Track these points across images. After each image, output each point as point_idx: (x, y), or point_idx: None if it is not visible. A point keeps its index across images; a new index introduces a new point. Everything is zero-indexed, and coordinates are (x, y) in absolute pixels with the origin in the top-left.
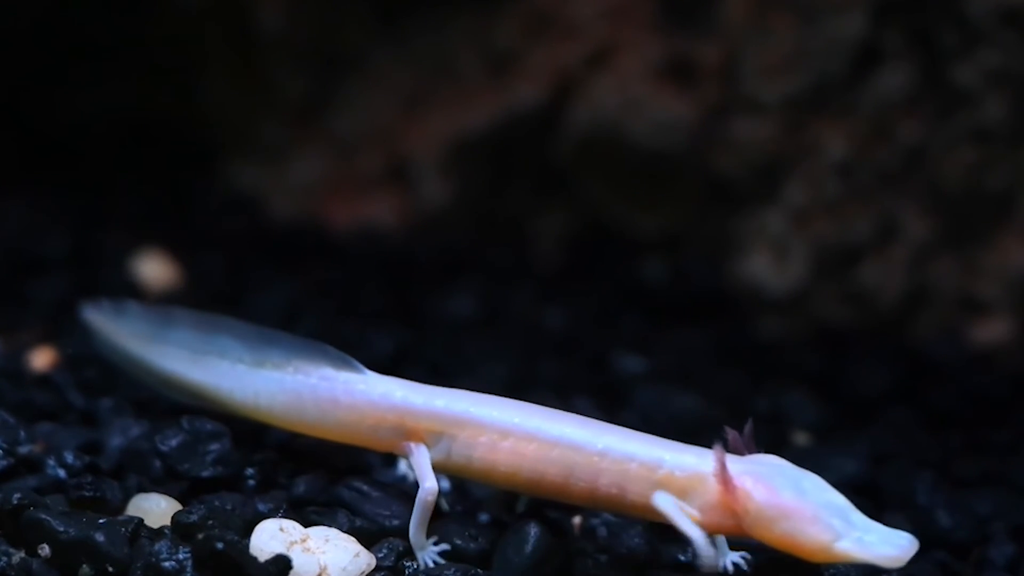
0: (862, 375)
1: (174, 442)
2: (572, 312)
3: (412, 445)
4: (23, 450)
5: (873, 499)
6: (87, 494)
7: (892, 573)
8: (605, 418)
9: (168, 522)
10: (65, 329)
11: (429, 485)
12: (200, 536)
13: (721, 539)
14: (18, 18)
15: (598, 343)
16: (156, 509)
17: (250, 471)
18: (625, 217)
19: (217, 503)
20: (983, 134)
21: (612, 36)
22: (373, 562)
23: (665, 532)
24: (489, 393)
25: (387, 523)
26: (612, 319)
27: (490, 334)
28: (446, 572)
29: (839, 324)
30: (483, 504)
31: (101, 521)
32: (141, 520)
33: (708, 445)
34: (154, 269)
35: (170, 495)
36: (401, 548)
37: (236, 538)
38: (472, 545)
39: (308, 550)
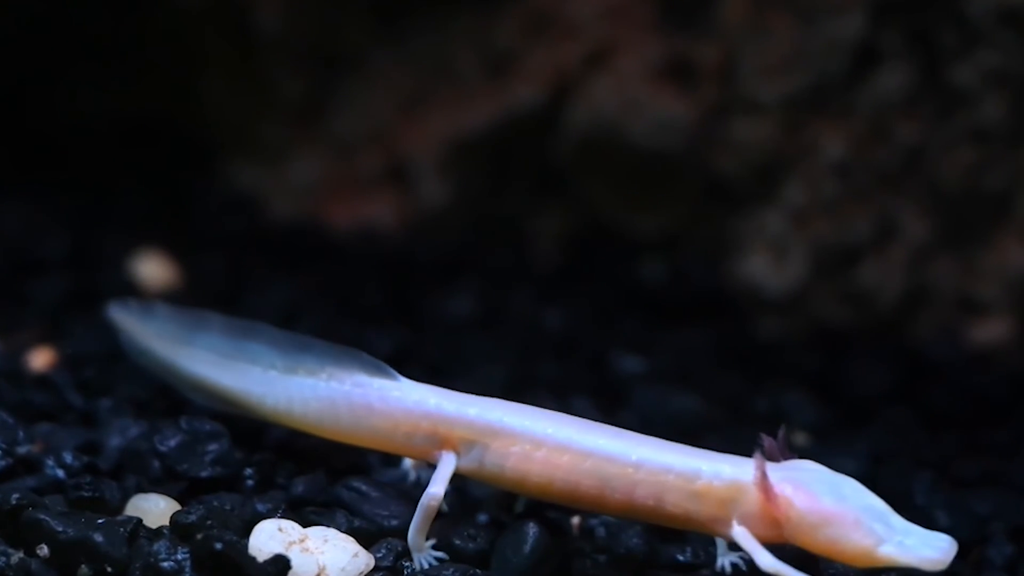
0: (861, 375)
1: (173, 442)
2: (571, 312)
3: (444, 453)
4: (22, 450)
5: None
6: (86, 494)
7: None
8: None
9: (167, 522)
10: (64, 329)
11: (435, 491)
12: (199, 536)
13: (720, 540)
14: (17, 18)
15: (597, 343)
16: (155, 509)
17: (249, 471)
18: (624, 217)
19: (216, 503)
20: (982, 134)
21: (611, 36)
22: (372, 562)
23: (663, 532)
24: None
25: (386, 523)
26: (611, 319)
27: (489, 334)
28: (444, 572)
29: (838, 324)
30: (481, 504)
31: (100, 521)
32: (140, 520)
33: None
34: (153, 269)
35: (169, 495)
36: (400, 548)
37: (235, 538)
38: (471, 545)
39: (307, 550)
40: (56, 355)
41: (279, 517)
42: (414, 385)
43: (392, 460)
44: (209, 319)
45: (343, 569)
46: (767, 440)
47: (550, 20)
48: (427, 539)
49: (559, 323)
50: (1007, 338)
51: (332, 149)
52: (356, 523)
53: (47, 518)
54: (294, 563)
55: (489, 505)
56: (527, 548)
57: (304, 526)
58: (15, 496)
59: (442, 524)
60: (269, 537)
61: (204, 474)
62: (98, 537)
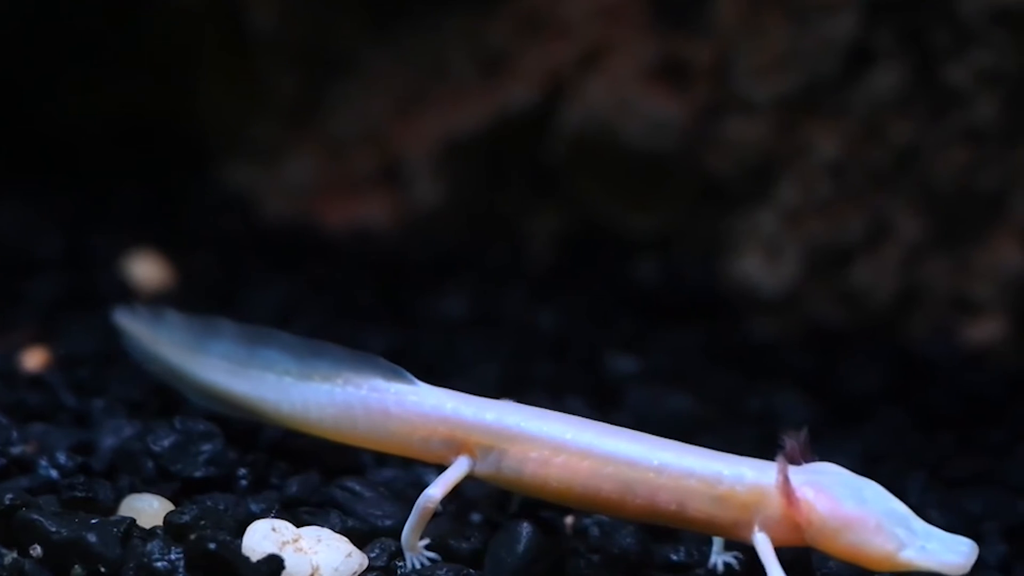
0: (854, 375)
1: (166, 442)
2: (565, 312)
3: (458, 458)
4: (15, 450)
5: None
6: (79, 494)
7: None
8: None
9: (160, 522)
10: (58, 329)
11: (433, 493)
12: (192, 536)
13: (716, 539)
14: (12, 18)
15: (591, 343)
16: (148, 509)
17: (242, 471)
18: (618, 217)
19: (209, 503)
20: (975, 134)
21: (604, 36)
22: (365, 562)
23: (657, 532)
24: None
25: (379, 523)
26: (605, 319)
27: (483, 334)
28: (438, 572)
29: (831, 324)
30: (475, 503)
31: (93, 521)
32: (133, 520)
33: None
34: (147, 269)
35: (162, 495)
36: (393, 548)
37: (228, 538)
38: (464, 545)
39: (300, 550)
40: (50, 355)
41: (273, 517)
42: (431, 389)
43: (386, 460)
44: (220, 325)
45: (336, 569)
46: (788, 442)
47: (544, 20)
48: (421, 539)
49: (553, 323)
50: (1001, 337)
51: (326, 149)
52: (350, 523)
53: (40, 518)
54: (287, 563)
55: (483, 505)
56: (520, 548)
57: (298, 526)
58: (8, 496)
59: (436, 524)
60: (263, 537)
61: (198, 474)
62: (91, 537)
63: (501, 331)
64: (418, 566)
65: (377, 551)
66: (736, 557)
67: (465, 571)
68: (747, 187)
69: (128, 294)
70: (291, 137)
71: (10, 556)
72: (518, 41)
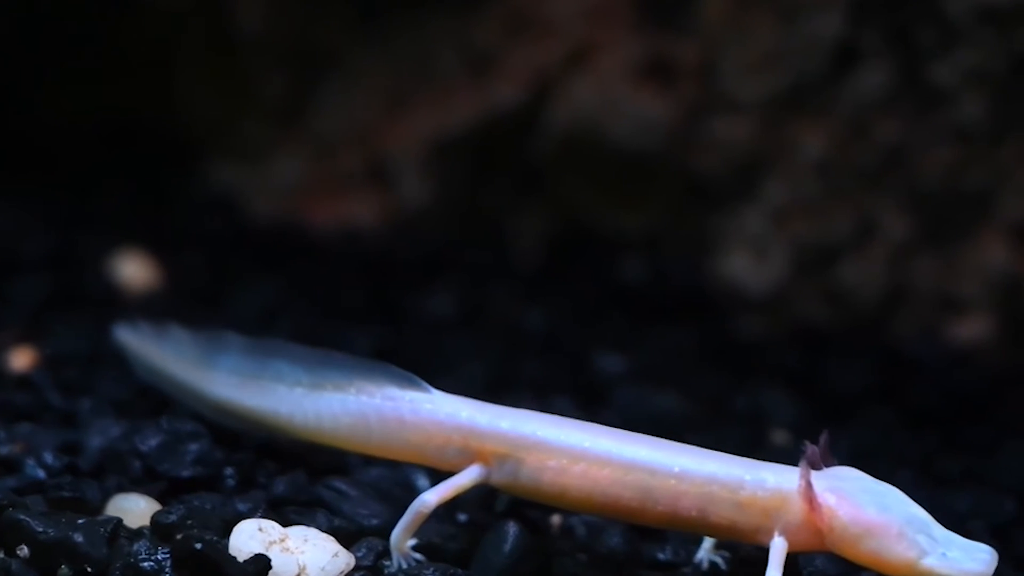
0: (841, 374)
1: (153, 442)
2: (552, 311)
3: (471, 467)
4: (2, 450)
5: None
6: (66, 494)
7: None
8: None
9: (147, 522)
10: (45, 329)
11: (429, 499)
12: (179, 536)
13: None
14: None
15: (578, 342)
16: (135, 509)
17: (229, 471)
18: (605, 216)
19: (196, 503)
20: (961, 133)
21: (591, 36)
22: (352, 562)
23: (644, 531)
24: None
25: (366, 522)
26: (592, 318)
27: (470, 333)
28: (425, 571)
29: (818, 323)
30: (462, 504)
31: (80, 521)
32: (120, 520)
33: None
34: (134, 269)
35: (149, 495)
36: (380, 548)
37: (215, 538)
38: (451, 544)
39: (287, 550)
40: (37, 355)
41: (259, 517)
42: (446, 397)
43: (372, 460)
44: (228, 339)
45: (323, 568)
46: (809, 448)
47: (530, 20)
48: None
49: (540, 322)
50: (987, 336)
51: (313, 148)
52: (336, 522)
53: (27, 518)
54: (274, 563)
55: (469, 505)
56: (507, 547)
57: (284, 525)
58: None
59: (423, 524)
60: (249, 537)
61: (185, 474)
62: (78, 537)
63: (488, 330)
64: (404, 566)
65: (364, 550)
66: (723, 556)
67: (452, 571)
68: (734, 186)
69: (116, 294)
70: (278, 136)
71: None
72: (505, 40)
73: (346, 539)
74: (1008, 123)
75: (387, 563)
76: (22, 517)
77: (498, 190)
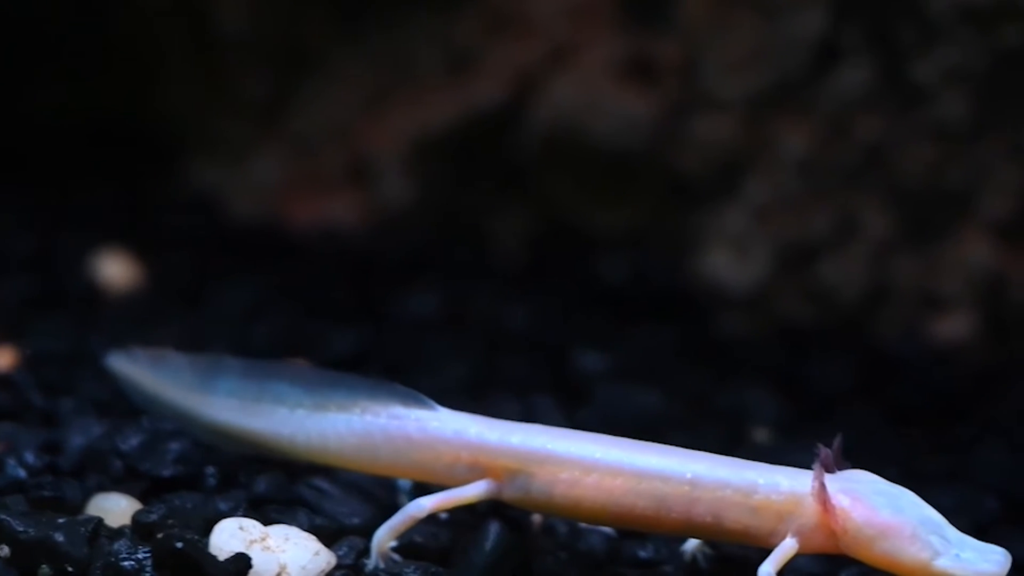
0: (823, 372)
1: (135, 441)
2: (534, 310)
3: (480, 482)
4: None
5: None
6: (47, 494)
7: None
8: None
9: (128, 521)
10: (26, 329)
11: (425, 504)
12: (160, 535)
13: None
14: None
15: (560, 341)
16: (116, 508)
17: (210, 470)
18: (587, 215)
19: (177, 502)
20: (942, 131)
21: (572, 34)
22: (333, 560)
23: (625, 530)
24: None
25: (347, 521)
26: (574, 317)
27: (452, 333)
28: (405, 570)
29: (800, 321)
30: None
31: (61, 521)
32: (101, 520)
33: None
34: (116, 269)
35: (130, 494)
36: (361, 547)
37: (196, 537)
38: (432, 543)
39: (268, 549)
40: (18, 355)
41: (240, 515)
42: (453, 414)
43: None
44: (226, 363)
45: (304, 567)
46: (823, 450)
47: (511, 18)
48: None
49: (522, 321)
50: (969, 334)
51: (294, 148)
52: (317, 521)
53: (8, 518)
54: (255, 561)
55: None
56: (488, 546)
57: (265, 524)
58: None
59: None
60: (230, 536)
61: (166, 473)
62: (59, 537)
63: (470, 329)
64: (382, 565)
65: (345, 549)
66: (704, 553)
67: (433, 569)
68: (716, 184)
69: (97, 294)
70: (259, 136)
71: None
72: (486, 39)
73: (327, 538)
74: (989, 121)
75: (367, 561)
76: (3, 517)
77: (480, 189)
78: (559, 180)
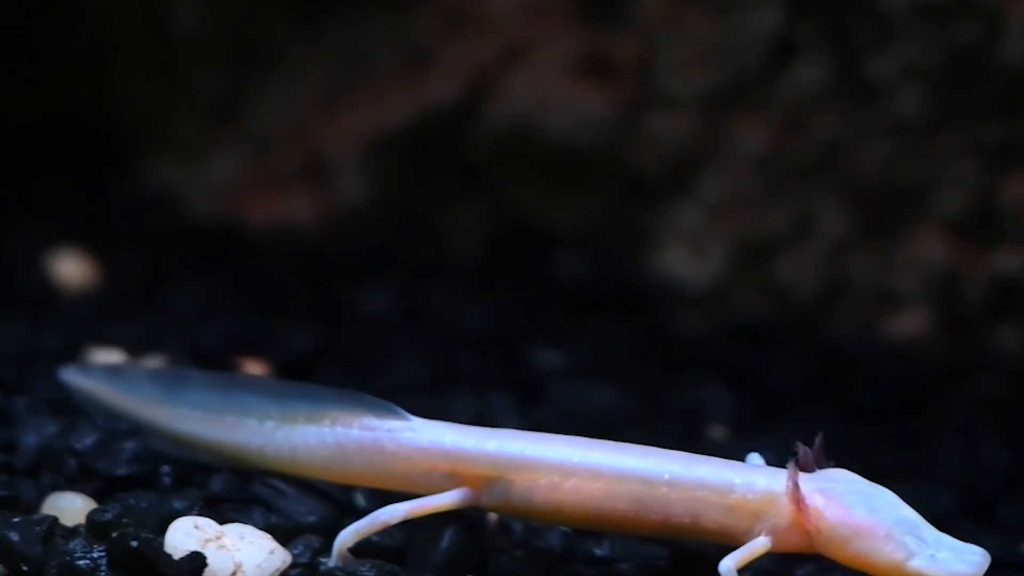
0: (779, 369)
1: (89, 440)
2: (490, 308)
3: (456, 491)
4: None
5: None
6: (1, 493)
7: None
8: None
9: (83, 520)
10: None
11: (401, 509)
12: (115, 534)
13: None
14: None
15: (516, 339)
16: (71, 508)
17: (165, 469)
18: (543, 213)
19: (132, 501)
20: (898, 128)
21: (528, 32)
22: (288, 559)
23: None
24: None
25: (303, 520)
26: (530, 314)
27: (408, 331)
28: (361, 569)
29: (756, 318)
30: (398, 500)
31: (15, 520)
32: (56, 519)
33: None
34: (71, 267)
35: (85, 493)
36: (317, 545)
37: (151, 536)
38: (387, 541)
39: (223, 547)
40: None
41: (195, 514)
42: (426, 423)
43: None
44: (188, 375)
45: (259, 566)
46: (802, 449)
47: (467, 16)
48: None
49: (478, 319)
50: (924, 331)
51: (251, 146)
52: (273, 520)
53: None
54: (210, 560)
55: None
56: (444, 544)
57: (221, 523)
58: None
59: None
60: (185, 534)
61: (121, 472)
62: (13, 536)
63: (426, 327)
64: (340, 564)
65: (300, 548)
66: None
67: (388, 567)
68: (672, 182)
69: (52, 293)
70: (215, 134)
71: None
72: (442, 36)
73: (283, 536)
74: (945, 117)
75: (324, 560)
76: None
77: (436, 187)
78: (516, 178)
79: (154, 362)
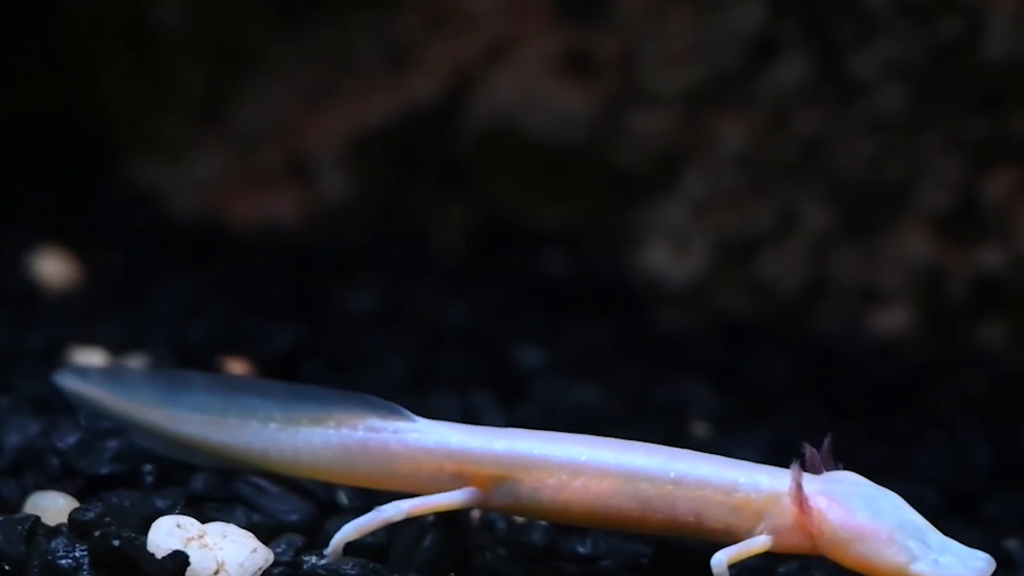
0: (763, 366)
1: (72, 439)
2: (474, 306)
3: (464, 489)
4: None
5: None
6: None
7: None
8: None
9: (65, 520)
10: None
11: (405, 507)
12: (97, 533)
13: None
14: None
15: (500, 337)
16: (53, 507)
17: (148, 467)
18: (526, 211)
19: (114, 500)
20: (881, 124)
21: (510, 29)
22: (271, 557)
23: (564, 526)
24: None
25: (285, 518)
26: (513, 312)
27: (391, 329)
28: (343, 567)
29: (740, 315)
30: (380, 497)
31: None
32: (38, 518)
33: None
34: (53, 267)
35: (67, 493)
36: (299, 544)
37: (133, 535)
38: (370, 539)
39: (205, 546)
40: None
41: (178, 513)
42: (432, 424)
43: None
44: (189, 378)
45: (242, 564)
46: (809, 450)
47: (450, 14)
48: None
49: (462, 317)
50: (908, 327)
51: (234, 144)
52: (255, 518)
53: None
54: (192, 559)
55: (388, 499)
56: (427, 542)
57: (203, 522)
58: None
59: (342, 518)
60: (167, 533)
61: (103, 471)
62: None
63: (409, 326)
64: (332, 560)
65: (283, 546)
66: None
67: (371, 565)
68: (654, 179)
69: (34, 292)
70: (198, 133)
71: None
72: (425, 35)
73: (265, 535)
74: (927, 114)
75: (307, 558)
76: None
77: (419, 185)
78: (498, 175)
79: (137, 361)
